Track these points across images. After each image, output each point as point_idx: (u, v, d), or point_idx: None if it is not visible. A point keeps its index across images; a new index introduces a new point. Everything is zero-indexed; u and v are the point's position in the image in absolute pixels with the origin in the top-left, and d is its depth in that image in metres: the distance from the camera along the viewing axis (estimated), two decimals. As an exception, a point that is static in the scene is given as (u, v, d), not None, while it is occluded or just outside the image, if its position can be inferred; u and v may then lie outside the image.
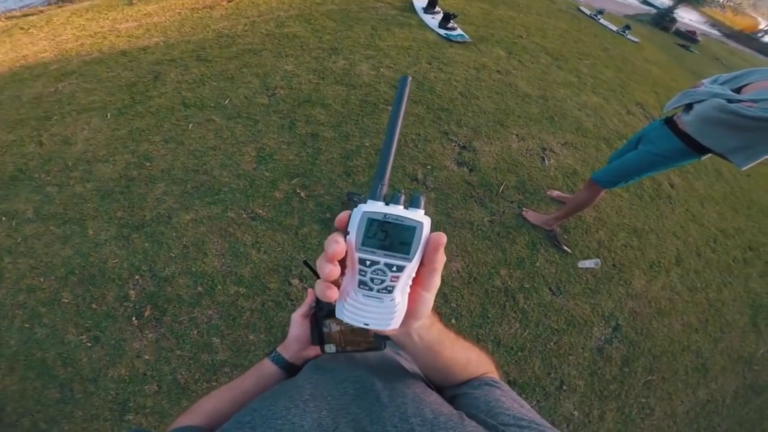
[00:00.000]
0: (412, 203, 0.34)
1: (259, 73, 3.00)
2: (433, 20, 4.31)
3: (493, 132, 2.73)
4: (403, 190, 0.33)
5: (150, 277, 1.77)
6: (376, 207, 0.33)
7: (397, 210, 0.32)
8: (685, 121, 1.54)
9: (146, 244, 1.87)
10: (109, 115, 2.77)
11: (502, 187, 2.31)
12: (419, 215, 0.33)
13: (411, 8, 4.66)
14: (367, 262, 0.33)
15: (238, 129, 2.42)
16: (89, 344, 1.64)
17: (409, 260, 0.33)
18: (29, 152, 2.62)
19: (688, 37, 10.20)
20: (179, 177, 2.14)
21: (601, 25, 7.27)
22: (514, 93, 3.31)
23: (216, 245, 1.82)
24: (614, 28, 7.25)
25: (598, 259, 2.20)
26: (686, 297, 2.38)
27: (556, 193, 2.43)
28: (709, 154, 1.57)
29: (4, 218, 2.17)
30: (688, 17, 15.58)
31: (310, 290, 0.54)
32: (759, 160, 1.47)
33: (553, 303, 2.05)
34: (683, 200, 3.00)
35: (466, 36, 4.08)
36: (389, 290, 0.34)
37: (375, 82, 2.96)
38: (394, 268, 0.33)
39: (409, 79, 0.36)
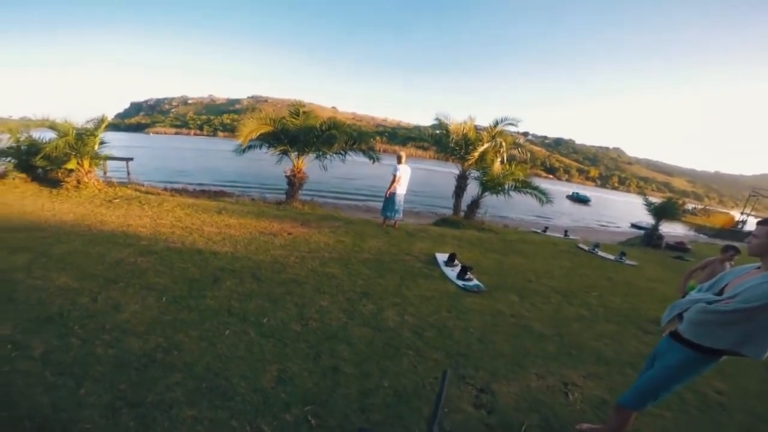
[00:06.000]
0: None
1: (299, 302, 3.59)
2: (452, 272, 5.05)
3: (512, 373, 2.82)
4: None
5: (115, 456, 1.71)
6: None
7: None
8: (682, 330, 1.77)
9: (131, 423, 1.90)
10: (164, 299, 3.32)
11: (524, 427, 2.25)
12: None
13: (434, 262, 5.59)
14: None
15: (268, 347, 2.77)
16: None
17: None
18: (80, 303, 3.07)
19: (679, 248, 11.10)
20: (198, 374, 2.36)
21: (600, 257, 8.11)
22: (529, 334, 3.55)
23: (206, 449, 1.82)
24: (612, 257, 8.05)
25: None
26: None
27: (586, 426, 2.32)
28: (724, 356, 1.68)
29: (9, 346, 2.39)
30: (673, 230, 16.17)
31: None
32: None
33: None
34: (740, 404, 2.79)
35: (482, 285, 4.69)
36: None
37: (399, 328, 3.36)
38: None
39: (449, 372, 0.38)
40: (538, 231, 12.90)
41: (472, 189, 11.90)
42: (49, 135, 7.96)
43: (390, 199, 7.34)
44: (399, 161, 7.20)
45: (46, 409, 1.92)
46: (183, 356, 2.51)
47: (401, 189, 7.28)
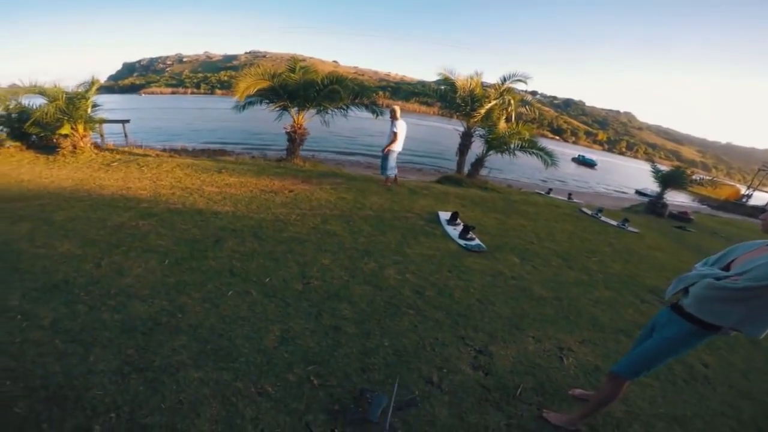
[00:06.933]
0: None
1: (300, 261, 3.59)
2: (454, 231, 5.05)
3: (509, 336, 2.88)
4: None
5: (127, 419, 1.77)
6: None
7: None
8: (686, 304, 1.77)
9: (141, 388, 1.96)
10: (167, 261, 3.33)
11: (519, 390, 2.31)
12: None
13: (437, 220, 5.57)
14: None
15: (270, 307, 2.80)
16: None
17: None
18: (84, 269, 3.08)
19: (682, 218, 11.17)
20: (203, 336, 2.40)
21: (603, 222, 8.14)
22: (528, 297, 3.59)
23: (213, 410, 1.87)
24: (614, 222, 8.10)
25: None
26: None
27: (578, 391, 2.40)
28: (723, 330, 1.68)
29: (20, 317, 2.43)
30: (677, 199, 16.42)
31: None
32: None
33: None
34: (723, 377, 2.89)
35: (483, 246, 4.71)
36: None
37: (400, 286, 3.39)
38: None
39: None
40: (542, 193, 12.71)
41: (477, 147, 11.62)
42: (39, 101, 7.74)
43: (390, 157, 7.09)
44: (395, 116, 6.79)
45: (58, 378, 1.96)
46: (187, 318, 2.55)
47: (399, 146, 6.98)
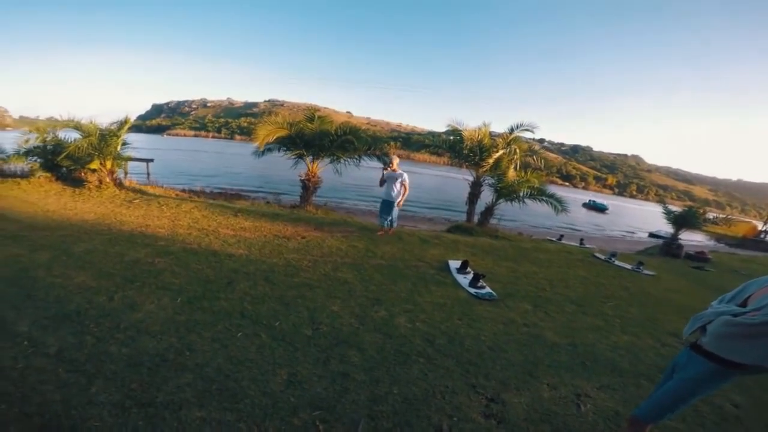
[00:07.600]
0: None
1: (310, 306, 3.59)
2: (464, 279, 4.99)
3: (523, 383, 2.76)
4: None
5: (123, 454, 1.71)
6: None
7: None
8: (704, 342, 1.71)
9: (140, 422, 1.91)
10: (179, 299, 3.36)
11: None
12: None
13: (447, 268, 5.52)
14: None
15: (278, 351, 2.76)
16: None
17: None
18: (97, 302, 3.13)
19: (699, 258, 10.66)
20: (209, 375, 2.37)
21: (617, 266, 7.86)
22: (542, 344, 3.46)
23: (213, 452, 1.82)
24: (629, 266, 7.82)
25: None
26: None
27: None
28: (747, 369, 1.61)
29: (26, 343, 2.45)
30: (694, 239, 15.50)
31: None
32: None
33: None
34: (756, 417, 2.70)
35: (494, 294, 4.62)
36: None
37: (410, 335, 3.32)
38: None
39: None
40: (553, 239, 12.62)
41: (486, 196, 11.79)
42: (74, 135, 8.20)
43: (397, 208, 7.03)
44: (392, 166, 6.75)
45: (56, 406, 1.95)
46: (195, 357, 2.52)
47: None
